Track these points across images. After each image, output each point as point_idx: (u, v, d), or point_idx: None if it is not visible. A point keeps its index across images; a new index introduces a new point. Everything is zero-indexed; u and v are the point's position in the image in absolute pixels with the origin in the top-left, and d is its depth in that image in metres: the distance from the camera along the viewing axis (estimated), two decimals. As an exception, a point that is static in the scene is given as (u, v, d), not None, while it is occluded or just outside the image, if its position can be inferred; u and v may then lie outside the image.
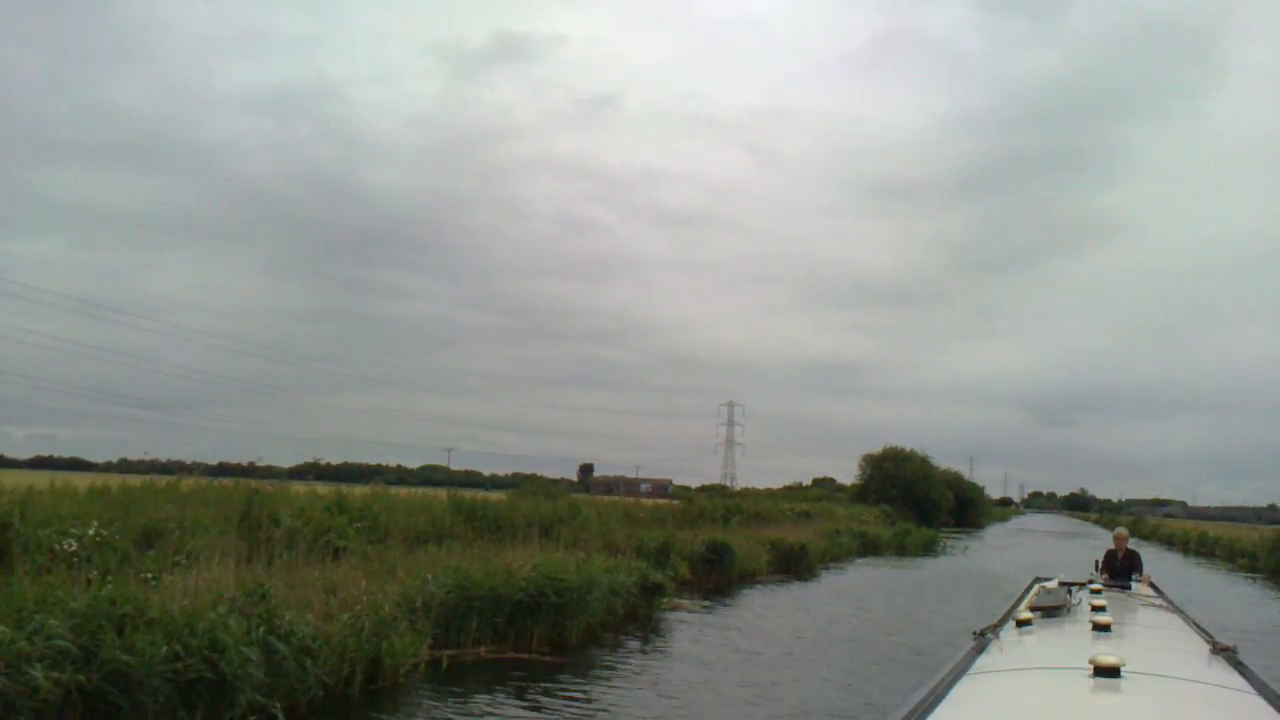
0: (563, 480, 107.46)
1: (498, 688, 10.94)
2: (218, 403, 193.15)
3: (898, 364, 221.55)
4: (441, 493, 23.84)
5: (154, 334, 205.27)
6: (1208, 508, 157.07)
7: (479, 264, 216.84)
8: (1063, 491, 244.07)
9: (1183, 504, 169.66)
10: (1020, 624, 5.24)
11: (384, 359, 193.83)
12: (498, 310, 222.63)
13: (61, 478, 15.72)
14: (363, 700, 9.64)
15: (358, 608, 10.39)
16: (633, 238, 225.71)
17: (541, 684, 11.23)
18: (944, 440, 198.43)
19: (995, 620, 5.61)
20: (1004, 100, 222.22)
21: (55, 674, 6.71)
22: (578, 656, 13.08)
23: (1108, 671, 3.25)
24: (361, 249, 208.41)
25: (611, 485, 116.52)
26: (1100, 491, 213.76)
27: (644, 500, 36.24)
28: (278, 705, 7.92)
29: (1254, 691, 3.52)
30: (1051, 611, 5.72)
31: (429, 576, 12.28)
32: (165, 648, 7.26)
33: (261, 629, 8.32)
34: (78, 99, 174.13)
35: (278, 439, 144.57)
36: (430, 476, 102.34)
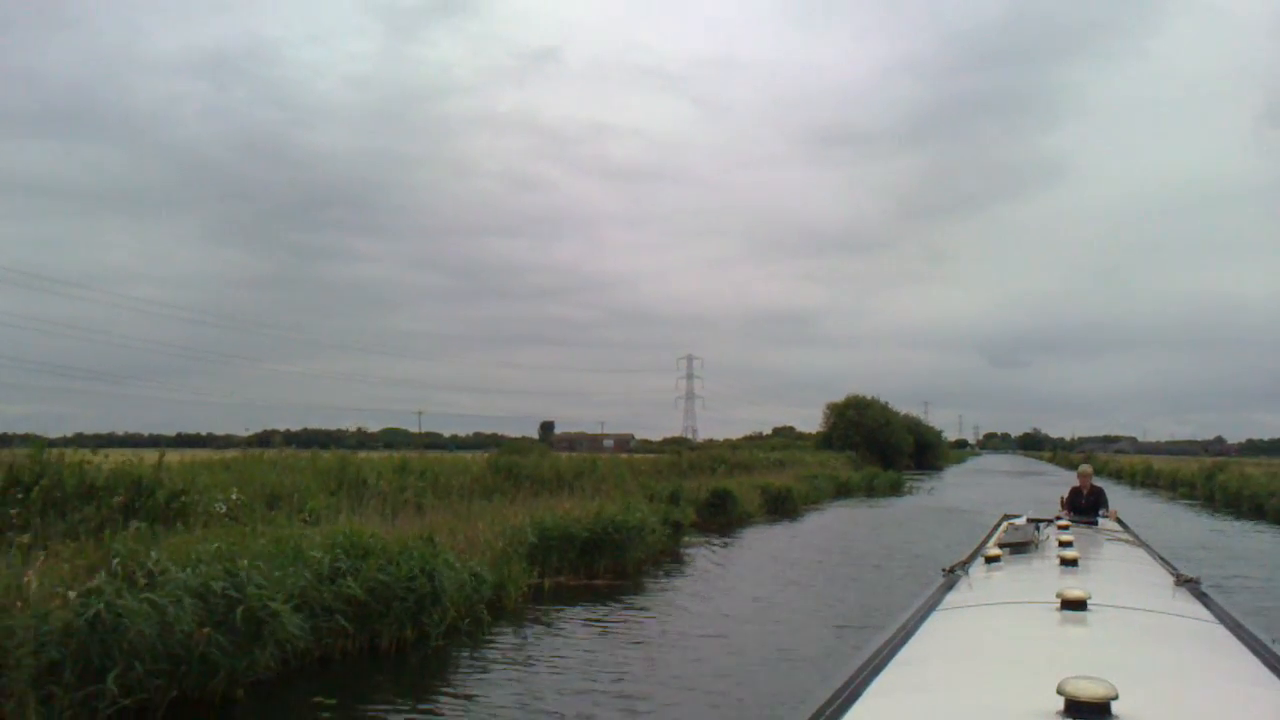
0: (524, 438, 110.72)
1: (582, 605, 14.32)
2: (169, 373, 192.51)
3: (850, 311, 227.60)
4: (447, 455, 27.10)
5: (97, 305, 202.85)
6: (1157, 442, 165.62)
7: (425, 224, 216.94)
8: (1016, 432, 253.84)
9: (1133, 440, 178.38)
10: (989, 560, 5.41)
11: (334, 323, 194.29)
12: (447, 270, 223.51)
13: (168, 454, 18.58)
14: (496, 617, 12.96)
15: (483, 547, 13.70)
16: (580, 193, 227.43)
17: (617, 600, 14.66)
18: (899, 385, 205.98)
19: (965, 557, 5.83)
20: (946, 44, 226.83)
21: (343, 588, 10.00)
22: (635, 581, 16.56)
23: (1074, 605, 3.37)
24: (305, 212, 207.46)
25: (574, 442, 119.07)
26: (1053, 430, 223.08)
27: (637, 456, 39.68)
28: (483, 608, 11.28)
29: (1216, 621, 3.65)
30: (1020, 548, 5.95)
31: (526, 520, 15.61)
32: (405, 569, 10.53)
33: (440, 560, 11.58)
34: (4, 66, 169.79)
35: (234, 407, 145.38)
36: (393, 440, 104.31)
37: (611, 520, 16.95)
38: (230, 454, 19.54)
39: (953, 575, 4.89)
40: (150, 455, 14.51)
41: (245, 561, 9.03)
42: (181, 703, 8.03)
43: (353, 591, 10.07)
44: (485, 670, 10.03)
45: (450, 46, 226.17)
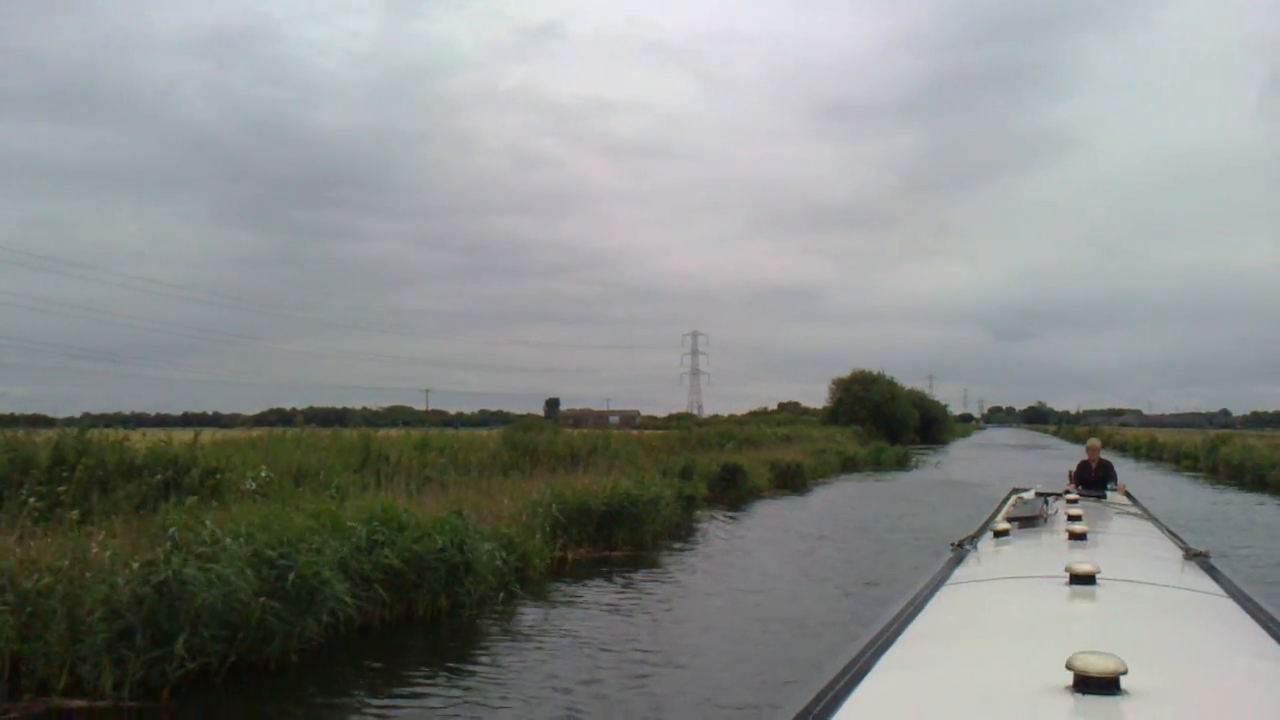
0: (531, 415, 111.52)
1: (603, 577, 14.89)
2: (175, 352, 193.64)
3: (854, 286, 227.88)
4: (462, 432, 27.67)
5: (103, 285, 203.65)
6: (1163, 415, 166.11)
7: (430, 202, 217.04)
8: (1021, 405, 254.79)
9: (1138, 413, 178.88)
10: (998, 534, 5.44)
11: (339, 302, 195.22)
12: (452, 248, 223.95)
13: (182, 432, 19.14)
14: (522, 587, 13.55)
15: (507, 520, 14.27)
16: (585, 170, 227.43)
17: (636, 571, 15.25)
18: (903, 359, 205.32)
19: (973, 531, 5.84)
20: (950, 15, 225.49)
21: (379, 559, 10.58)
22: (652, 553, 17.16)
23: (1083, 579, 3.38)
24: (310, 191, 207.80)
25: (580, 419, 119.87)
26: (1058, 404, 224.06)
27: (647, 432, 40.29)
28: (514, 579, 11.89)
29: (1225, 595, 3.65)
30: (1028, 522, 5.98)
31: (547, 493, 16.20)
32: (438, 541, 11.11)
33: (470, 532, 12.16)
34: (6, 48, 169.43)
35: (239, 387, 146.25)
36: (399, 418, 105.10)
37: (627, 494, 17.52)
38: (256, 433, 20.10)
39: (961, 550, 4.91)
40: (183, 435, 15.08)
41: (294, 532, 9.58)
42: (239, 667, 8.61)
43: (390, 562, 10.64)
44: (516, 637, 10.62)
45: (452, 22, 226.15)
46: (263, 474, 16.22)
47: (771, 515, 24.30)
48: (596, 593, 13.39)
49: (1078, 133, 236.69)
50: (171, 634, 7.99)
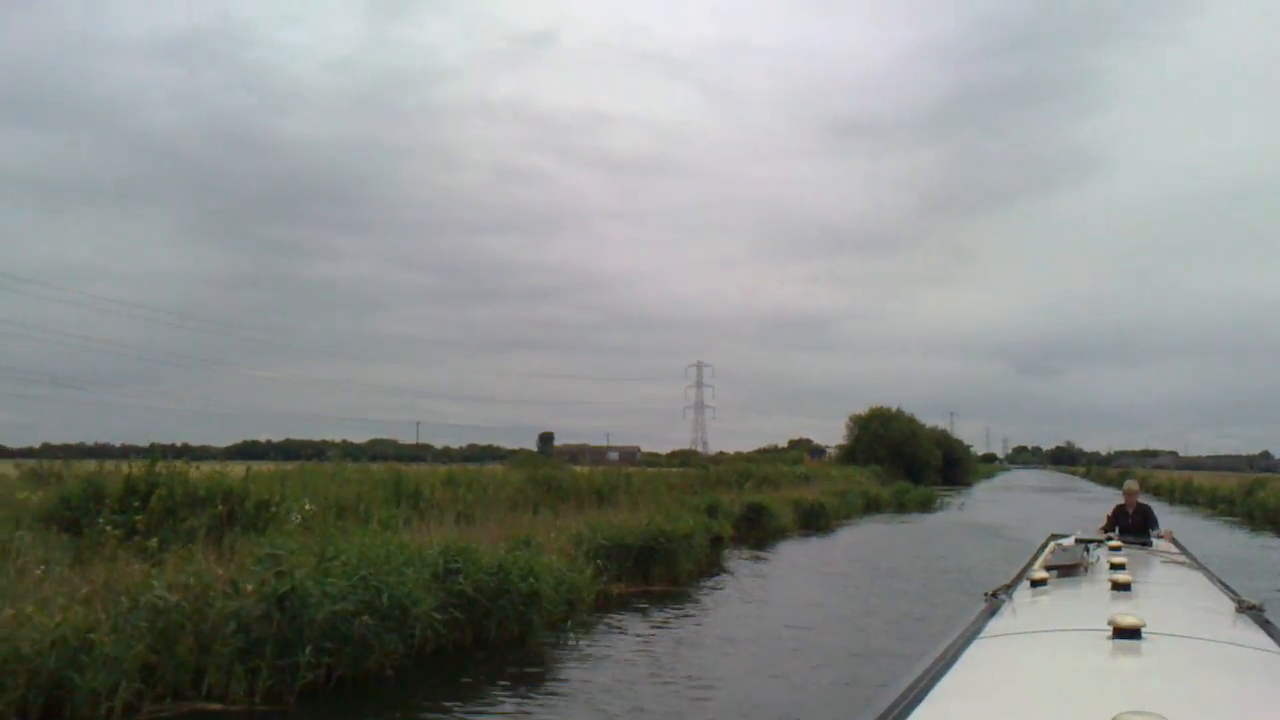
0: (523, 451, 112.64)
1: (646, 610, 16.43)
2: (139, 379, 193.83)
3: (869, 315, 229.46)
4: (483, 468, 29.28)
5: (61, 304, 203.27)
6: (1199, 457, 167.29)
7: (412, 219, 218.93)
8: (1048, 445, 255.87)
9: (1174, 454, 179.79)
10: (1035, 584, 5.46)
11: (314, 326, 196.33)
12: (435, 269, 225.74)
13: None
14: (573, 618, 15.09)
15: (557, 552, 15.84)
16: (577, 187, 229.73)
17: (676, 606, 16.81)
18: (921, 394, 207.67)
19: (1008, 580, 5.89)
20: (972, 28, 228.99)
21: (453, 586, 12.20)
22: (688, 589, 18.74)
23: (1127, 632, 3.37)
24: (283, 206, 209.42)
25: (576, 455, 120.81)
26: (1087, 444, 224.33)
27: (666, 470, 41.86)
28: (584, 604, 13.52)
29: None
30: (1068, 570, 6.00)
31: (585, 529, 17.82)
32: (513, 569, 12.71)
33: (540, 562, 13.75)
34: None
35: (209, 416, 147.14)
36: (381, 452, 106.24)
37: (662, 530, 19.13)
38: (289, 466, 21.71)
39: (995, 600, 4.91)
40: (237, 468, 16.69)
41: (388, 557, 11.21)
42: (344, 680, 10.17)
43: (464, 589, 12.23)
44: (587, 662, 12.19)
45: (439, 28, 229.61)
46: (307, 507, 17.84)
47: (799, 556, 25.90)
48: (647, 625, 14.97)
49: (1106, 151, 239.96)
50: (296, 646, 9.56)
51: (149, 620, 9.57)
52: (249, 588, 10.09)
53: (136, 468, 14.87)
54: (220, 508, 14.96)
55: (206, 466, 17.07)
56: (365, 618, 10.27)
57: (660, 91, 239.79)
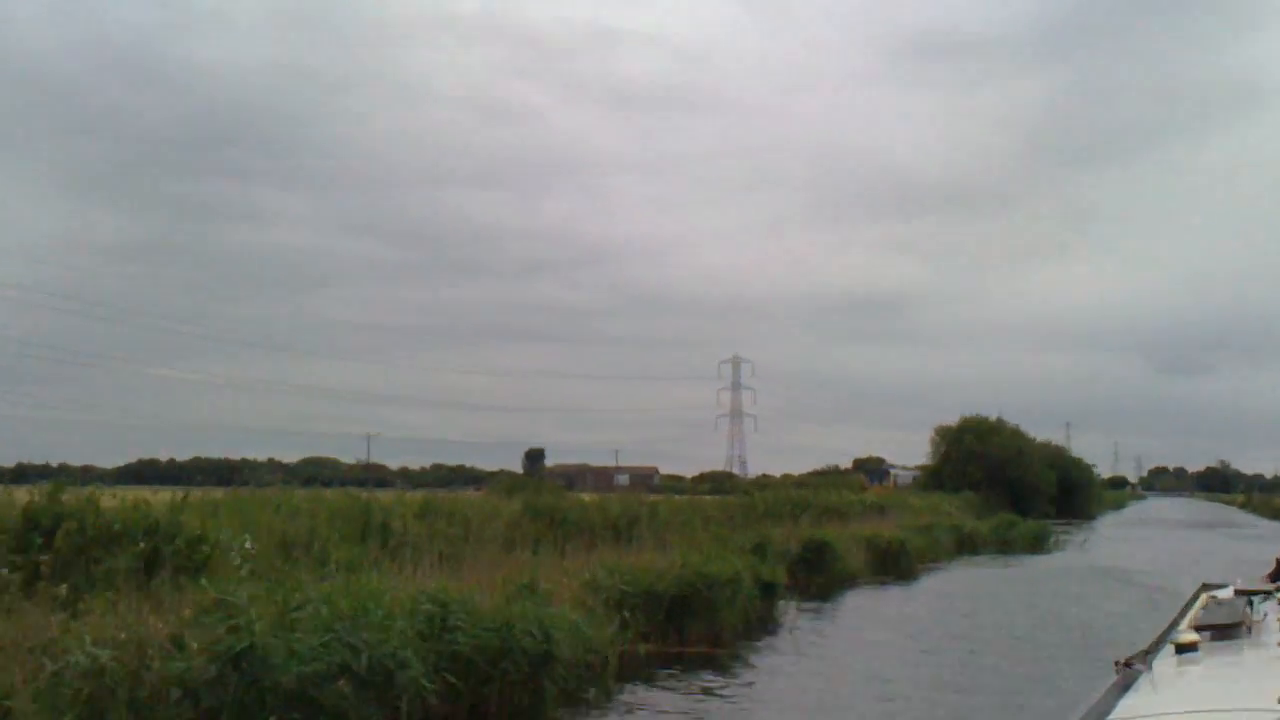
0: (502, 472, 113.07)
1: (681, 678, 16.96)
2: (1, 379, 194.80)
3: (957, 295, 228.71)
4: (467, 495, 29.93)
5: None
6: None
7: (361, 171, 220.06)
8: (1195, 466, 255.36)
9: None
10: (1181, 649, 5.53)
11: (233, 310, 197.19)
12: (392, 236, 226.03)
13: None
14: (593, 683, 15.60)
15: (569, 602, 16.41)
16: (577, 127, 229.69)
17: (718, 674, 17.37)
18: (1027, 400, 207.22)
19: (1147, 645, 5.96)
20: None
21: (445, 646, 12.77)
22: (732, 650, 19.30)
23: None
24: (194, 154, 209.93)
25: (574, 478, 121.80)
26: (1247, 465, 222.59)
27: (703, 498, 42.47)
28: (609, 670, 14.05)
29: None
30: (1225, 631, 6.03)
31: (601, 574, 18.40)
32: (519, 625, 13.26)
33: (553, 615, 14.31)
34: None
35: (91, 427, 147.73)
36: (318, 473, 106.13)
37: (699, 573, 19.68)
38: (218, 493, 22.30)
39: (1130, 671, 4.97)
40: (161, 494, 17.29)
41: (365, 609, 11.76)
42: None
43: (460, 649, 12.79)
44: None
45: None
46: (247, 545, 18.43)
47: (874, 610, 26.50)
48: (685, 698, 15.54)
49: (1277, 81, 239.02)
50: (255, 716, 10.11)
51: (77, 685, 10.13)
52: (194, 645, 10.64)
53: (37, 495, 15.44)
54: (142, 545, 15.58)
55: (121, 494, 17.64)
56: (341, 683, 10.79)
57: (686, 1, 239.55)
